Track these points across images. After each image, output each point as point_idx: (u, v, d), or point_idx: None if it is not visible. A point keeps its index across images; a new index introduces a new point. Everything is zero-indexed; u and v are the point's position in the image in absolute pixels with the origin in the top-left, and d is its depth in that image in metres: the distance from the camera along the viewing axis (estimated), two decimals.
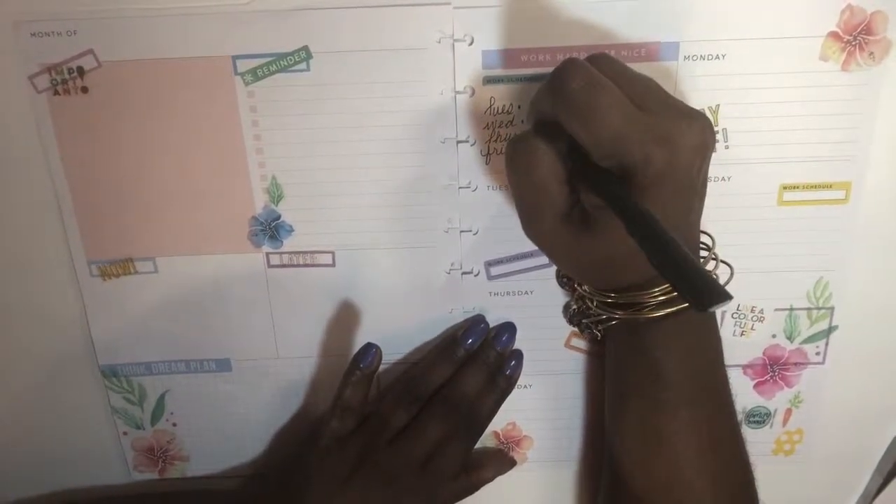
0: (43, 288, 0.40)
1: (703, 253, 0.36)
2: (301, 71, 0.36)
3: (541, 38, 0.35)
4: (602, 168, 0.29)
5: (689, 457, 0.35)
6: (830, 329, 0.41)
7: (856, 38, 0.35)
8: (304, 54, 0.36)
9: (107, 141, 0.37)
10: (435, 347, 0.42)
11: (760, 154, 0.37)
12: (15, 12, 0.34)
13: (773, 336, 0.42)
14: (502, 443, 0.45)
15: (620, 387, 0.38)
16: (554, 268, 0.40)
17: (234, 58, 0.36)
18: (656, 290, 0.33)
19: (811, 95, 0.36)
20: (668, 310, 0.33)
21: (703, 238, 0.36)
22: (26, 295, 0.41)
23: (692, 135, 0.29)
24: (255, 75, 0.36)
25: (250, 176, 0.38)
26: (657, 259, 0.25)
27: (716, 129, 0.36)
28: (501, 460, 0.44)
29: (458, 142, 0.37)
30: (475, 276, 0.40)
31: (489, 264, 0.40)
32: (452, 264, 0.40)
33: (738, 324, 0.41)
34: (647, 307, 0.33)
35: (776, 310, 0.41)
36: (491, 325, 0.41)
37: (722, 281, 0.37)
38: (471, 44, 0.35)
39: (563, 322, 0.41)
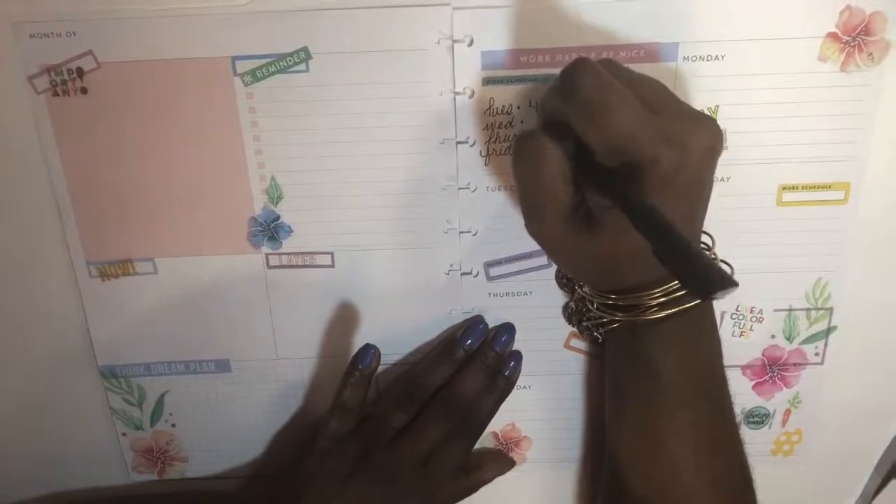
0: (42, 288, 0.40)
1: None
2: (300, 72, 0.36)
3: (540, 39, 0.35)
4: (608, 168, 0.30)
5: (688, 458, 0.35)
6: (829, 330, 0.41)
7: (855, 38, 0.35)
8: (304, 55, 0.36)
9: (106, 142, 0.37)
10: (434, 348, 0.42)
11: (760, 154, 0.37)
12: (15, 13, 0.34)
13: (773, 336, 0.42)
14: (501, 443, 0.45)
15: (620, 388, 0.38)
16: (553, 269, 0.40)
17: (234, 59, 0.36)
18: (657, 291, 0.33)
19: (810, 96, 0.36)
20: (669, 311, 0.33)
21: (703, 238, 0.36)
22: (26, 295, 0.41)
23: (702, 138, 0.29)
24: (255, 76, 0.36)
25: (250, 177, 0.38)
26: (662, 250, 0.25)
27: None
28: (501, 461, 0.44)
29: (458, 143, 0.37)
30: (474, 276, 0.40)
31: (488, 265, 0.40)
32: (452, 265, 0.40)
33: (737, 324, 0.41)
34: (647, 308, 0.33)
35: (775, 310, 0.41)
36: (490, 326, 0.41)
37: None
38: (470, 44, 0.35)
39: (562, 323, 0.41)
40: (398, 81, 0.36)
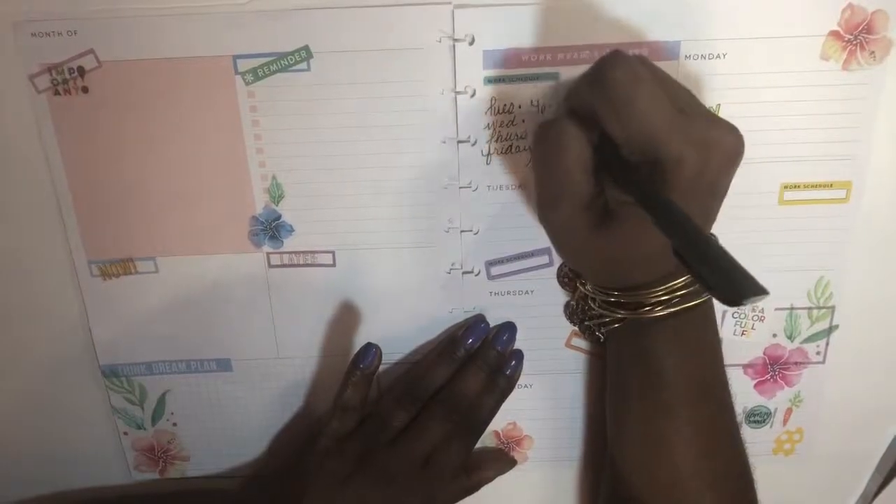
0: (43, 288, 0.40)
1: None
2: (301, 70, 0.36)
3: (542, 38, 0.35)
4: (630, 163, 0.29)
5: (689, 457, 0.35)
6: (831, 328, 0.41)
7: (857, 37, 0.35)
8: (305, 54, 0.35)
9: (107, 141, 0.37)
10: (435, 347, 0.42)
11: (761, 153, 0.37)
12: (15, 12, 0.34)
13: (774, 335, 0.41)
14: (503, 442, 0.45)
15: (621, 387, 0.38)
16: (554, 268, 0.40)
17: (235, 57, 0.35)
18: (660, 289, 0.33)
19: (812, 95, 0.36)
20: (671, 309, 0.33)
21: None
22: (26, 295, 0.41)
23: (727, 144, 0.29)
24: (256, 75, 0.36)
25: (251, 176, 0.38)
26: (683, 247, 0.25)
27: None
28: (502, 460, 0.44)
29: (459, 142, 0.37)
30: (475, 275, 0.40)
31: (489, 264, 0.40)
32: (453, 264, 0.40)
33: (739, 323, 0.41)
34: (649, 307, 0.33)
35: (776, 309, 0.41)
36: (491, 325, 0.41)
37: None
38: (471, 43, 0.35)
39: (563, 322, 0.41)
40: (399, 80, 0.36)
